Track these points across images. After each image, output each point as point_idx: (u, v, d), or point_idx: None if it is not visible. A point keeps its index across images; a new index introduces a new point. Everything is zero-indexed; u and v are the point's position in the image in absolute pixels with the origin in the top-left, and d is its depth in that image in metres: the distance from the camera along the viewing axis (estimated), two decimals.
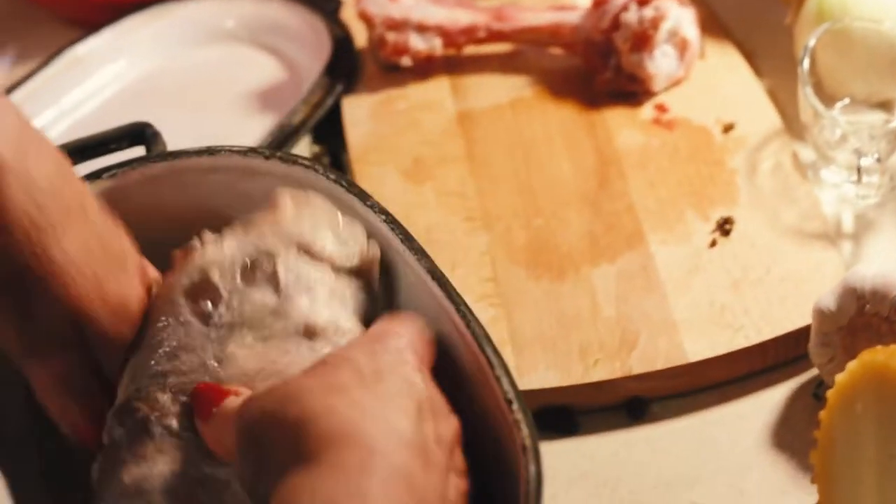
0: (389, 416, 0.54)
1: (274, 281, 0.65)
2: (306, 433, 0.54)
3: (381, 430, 0.53)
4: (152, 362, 0.64)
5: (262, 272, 0.65)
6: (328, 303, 0.65)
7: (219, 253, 0.66)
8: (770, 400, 0.78)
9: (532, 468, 0.56)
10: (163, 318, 0.65)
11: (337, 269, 0.67)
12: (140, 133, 0.78)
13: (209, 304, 0.64)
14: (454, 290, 0.65)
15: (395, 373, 0.57)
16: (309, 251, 0.66)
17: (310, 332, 0.64)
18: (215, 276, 0.65)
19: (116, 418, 0.64)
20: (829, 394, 0.67)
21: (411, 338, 0.60)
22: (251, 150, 0.75)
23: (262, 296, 0.64)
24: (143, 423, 0.62)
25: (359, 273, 0.68)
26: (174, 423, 0.62)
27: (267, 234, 0.67)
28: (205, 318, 0.64)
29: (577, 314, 0.81)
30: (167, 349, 0.64)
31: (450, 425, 0.58)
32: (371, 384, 0.55)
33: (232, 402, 0.60)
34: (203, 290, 0.65)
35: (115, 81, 1.07)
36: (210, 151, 0.75)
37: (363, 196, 0.71)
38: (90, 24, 1.08)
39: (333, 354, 0.59)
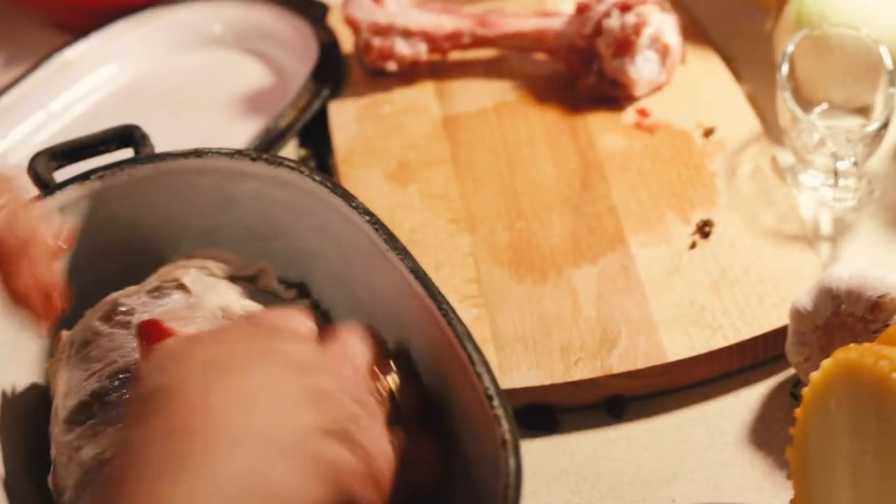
0: (258, 408, 0.54)
1: (183, 289, 0.71)
2: (166, 401, 0.53)
3: (240, 424, 0.53)
4: (86, 372, 0.67)
5: (168, 289, 0.71)
6: (236, 297, 0.70)
7: (123, 291, 0.72)
8: (748, 398, 0.79)
9: (512, 462, 0.58)
10: (86, 345, 0.69)
11: (234, 279, 0.74)
12: (128, 135, 0.80)
13: (125, 316, 0.68)
14: (436, 288, 0.66)
15: (276, 354, 0.57)
16: (207, 269, 0.73)
17: (228, 314, 0.68)
18: (123, 299, 0.71)
19: (66, 426, 0.66)
20: (804, 392, 0.68)
21: (305, 327, 0.61)
22: (238, 153, 0.76)
23: (173, 299, 0.70)
24: (88, 410, 0.65)
25: (252, 279, 0.74)
26: (117, 397, 0.65)
27: (168, 271, 0.73)
28: (125, 325, 0.68)
29: (558, 314, 0.82)
30: (96, 356, 0.68)
31: (365, 403, 0.58)
32: (254, 361, 0.56)
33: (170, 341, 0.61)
34: (114, 311, 0.70)
35: (104, 85, 1.08)
36: (197, 153, 0.76)
37: (348, 197, 0.72)
38: (79, 29, 1.09)
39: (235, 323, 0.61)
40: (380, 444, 0.58)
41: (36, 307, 0.63)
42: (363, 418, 0.57)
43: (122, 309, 0.70)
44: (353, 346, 0.62)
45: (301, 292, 0.78)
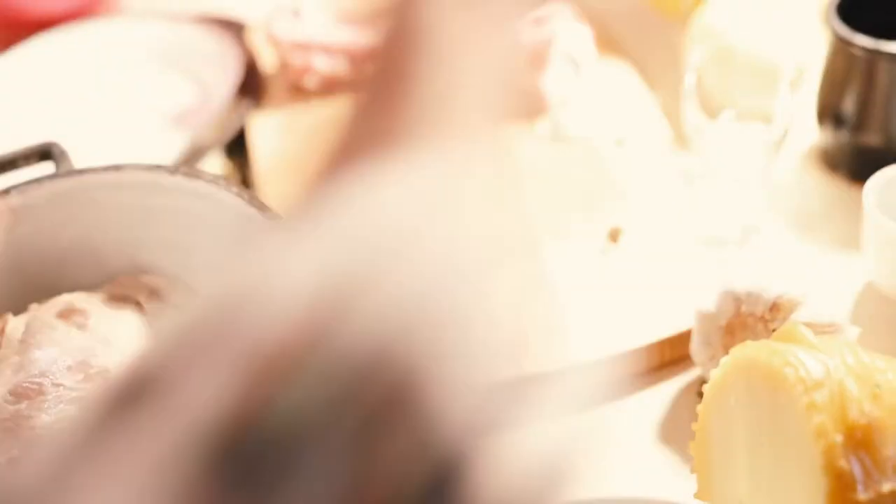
0: None
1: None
2: None
3: None
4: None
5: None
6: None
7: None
8: (657, 398, 0.82)
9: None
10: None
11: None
12: (47, 151, 0.81)
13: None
14: None
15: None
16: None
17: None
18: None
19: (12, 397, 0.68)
20: (705, 388, 0.71)
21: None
22: (156, 167, 0.78)
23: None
24: (35, 392, 0.67)
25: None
26: (67, 381, 0.67)
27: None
28: (82, 326, 0.71)
29: None
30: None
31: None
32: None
33: None
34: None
35: (25, 101, 1.09)
36: (116, 168, 0.78)
37: (263, 208, 0.74)
38: (0, 44, 1.10)
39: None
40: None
41: None
42: None
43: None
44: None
45: None
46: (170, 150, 1.00)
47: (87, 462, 0.43)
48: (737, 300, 0.77)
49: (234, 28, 1.10)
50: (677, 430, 0.79)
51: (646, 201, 0.92)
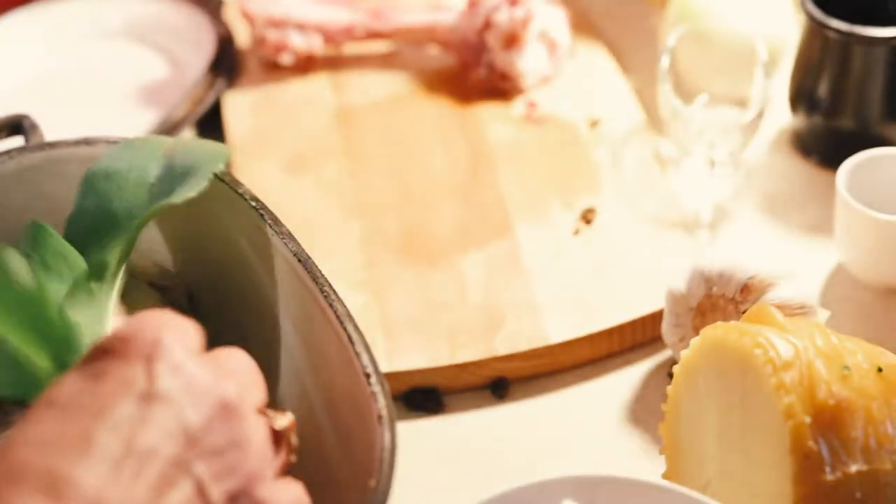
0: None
1: None
2: None
3: None
4: None
5: None
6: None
7: None
8: (628, 379, 0.82)
9: (387, 436, 0.60)
10: None
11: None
12: (18, 125, 0.80)
13: None
14: (318, 270, 0.68)
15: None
16: None
17: None
18: None
19: None
20: (675, 369, 0.71)
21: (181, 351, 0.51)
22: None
23: None
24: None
25: None
26: None
27: None
28: None
29: (445, 299, 0.84)
30: None
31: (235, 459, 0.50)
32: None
33: None
34: None
35: None
36: (87, 142, 0.77)
37: (235, 184, 0.73)
38: None
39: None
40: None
41: None
42: (264, 477, 0.52)
43: None
44: (242, 383, 0.53)
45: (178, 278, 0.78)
46: (142, 125, 1.00)
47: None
48: (708, 281, 0.77)
49: (208, 4, 1.10)
50: (647, 411, 0.80)
51: (619, 183, 0.92)
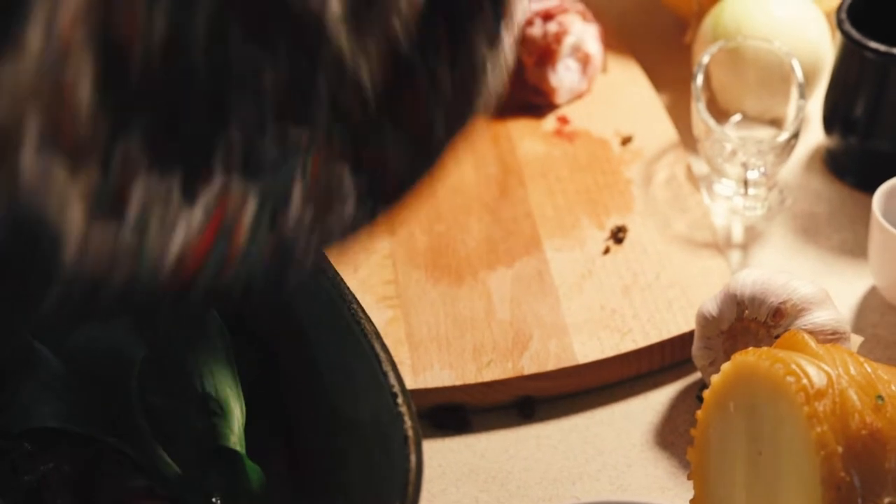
0: None
1: None
2: None
3: None
4: None
5: None
6: None
7: None
8: (655, 401, 0.81)
9: (413, 458, 0.59)
10: None
11: None
12: None
13: None
14: (347, 288, 0.67)
15: None
16: None
17: None
18: None
19: None
20: (705, 394, 0.70)
21: None
22: None
23: None
24: None
25: None
26: None
27: None
28: None
29: (472, 316, 0.84)
30: None
31: None
32: None
33: None
34: None
35: None
36: None
37: None
38: None
39: None
40: None
41: None
42: None
43: None
44: None
45: None
46: None
47: None
48: (740, 305, 0.76)
49: None
50: (675, 434, 0.79)
51: (650, 201, 0.91)
